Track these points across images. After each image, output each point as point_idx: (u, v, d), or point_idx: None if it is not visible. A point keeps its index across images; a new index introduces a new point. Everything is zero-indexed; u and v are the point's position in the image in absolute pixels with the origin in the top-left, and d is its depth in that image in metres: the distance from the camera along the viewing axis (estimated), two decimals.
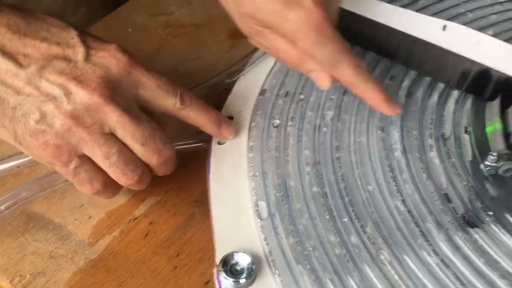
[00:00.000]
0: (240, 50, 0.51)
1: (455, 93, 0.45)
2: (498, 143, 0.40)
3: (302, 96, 0.45)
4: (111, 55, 0.35)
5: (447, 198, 0.38)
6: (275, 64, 0.48)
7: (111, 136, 0.35)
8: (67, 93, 0.33)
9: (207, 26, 0.57)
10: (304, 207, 0.37)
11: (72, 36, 0.35)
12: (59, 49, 0.34)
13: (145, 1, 0.60)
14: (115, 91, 0.34)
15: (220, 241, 0.36)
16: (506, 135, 0.41)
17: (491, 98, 0.43)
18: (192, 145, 0.43)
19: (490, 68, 0.42)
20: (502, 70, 0.42)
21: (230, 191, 0.39)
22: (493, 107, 0.42)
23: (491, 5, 0.52)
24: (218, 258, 0.34)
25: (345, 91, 0.44)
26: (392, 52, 0.46)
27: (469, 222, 0.36)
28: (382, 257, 0.34)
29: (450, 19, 0.48)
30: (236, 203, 0.38)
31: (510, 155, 0.39)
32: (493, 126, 0.41)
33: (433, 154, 0.40)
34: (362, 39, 0.48)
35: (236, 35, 0.52)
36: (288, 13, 0.35)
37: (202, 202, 0.41)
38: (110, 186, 0.37)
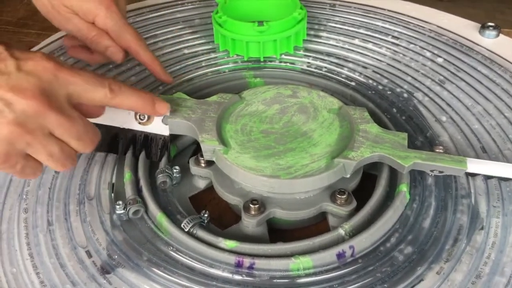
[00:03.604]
0: None
1: (101, 155, 0.49)
2: (129, 191, 0.45)
3: None
4: (38, 64, 0.38)
5: (88, 254, 0.41)
6: None
7: (51, 136, 0.38)
8: (7, 104, 0.36)
9: None
10: None
11: (0, 51, 0.37)
12: None
13: None
14: (49, 96, 0.37)
15: None
16: (136, 182, 0.46)
17: (125, 152, 0.48)
18: None
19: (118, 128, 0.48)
20: (128, 127, 0.48)
21: None
22: (127, 159, 0.48)
23: None
24: None
25: None
26: None
27: (104, 270, 0.40)
28: None
29: None
30: None
31: (135, 199, 0.44)
32: (126, 177, 0.46)
33: (74, 218, 0.44)
34: None
35: None
36: None
37: None
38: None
